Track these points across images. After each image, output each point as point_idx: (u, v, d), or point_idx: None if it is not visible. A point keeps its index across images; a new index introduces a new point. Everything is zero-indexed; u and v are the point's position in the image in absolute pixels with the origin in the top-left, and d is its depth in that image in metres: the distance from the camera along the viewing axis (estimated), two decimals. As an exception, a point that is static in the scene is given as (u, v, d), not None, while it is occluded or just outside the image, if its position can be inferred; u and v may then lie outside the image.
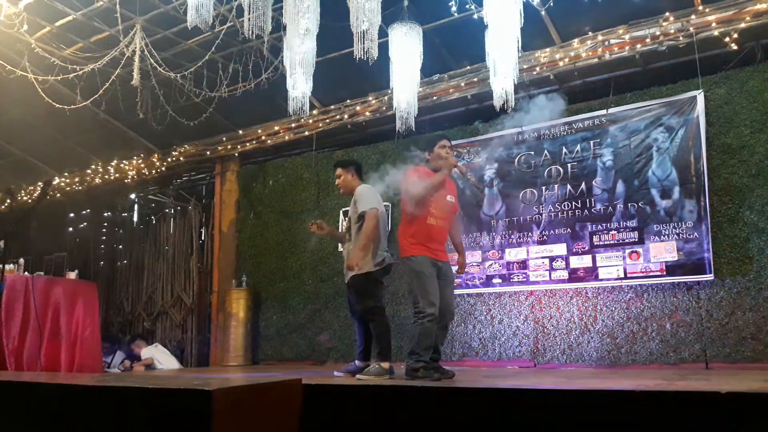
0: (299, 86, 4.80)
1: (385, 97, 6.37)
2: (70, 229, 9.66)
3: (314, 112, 6.91)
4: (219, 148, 7.74)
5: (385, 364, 4.11)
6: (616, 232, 5.40)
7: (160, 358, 7.29)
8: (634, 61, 5.50)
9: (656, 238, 5.22)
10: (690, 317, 5.05)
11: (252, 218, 7.72)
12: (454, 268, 4.14)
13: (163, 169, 8.22)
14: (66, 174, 9.01)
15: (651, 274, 5.20)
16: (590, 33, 5.52)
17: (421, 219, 3.86)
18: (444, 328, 4.00)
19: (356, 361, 4.59)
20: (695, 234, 5.07)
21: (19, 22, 5.68)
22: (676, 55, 5.35)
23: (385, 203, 4.80)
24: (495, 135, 6.09)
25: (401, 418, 2.46)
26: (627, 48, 5.38)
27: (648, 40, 5.27)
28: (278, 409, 2.25)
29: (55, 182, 8.86)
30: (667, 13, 5.19)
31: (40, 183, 8.61)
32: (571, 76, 5.80)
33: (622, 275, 5.32)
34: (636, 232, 5.32)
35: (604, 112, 5.62)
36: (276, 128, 7.29)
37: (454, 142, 6.19)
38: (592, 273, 5.44)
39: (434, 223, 3.87)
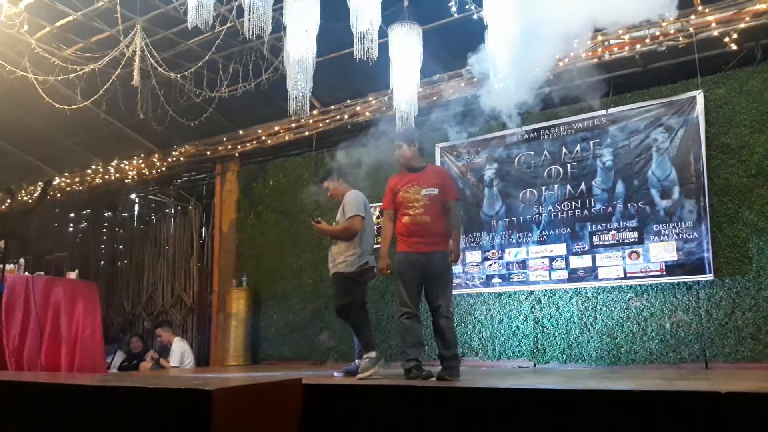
0: (299, 86, 4.79)
1: (385, 97, 6.36)
2: (71, 229, 9.66)
3: (314, 112, 6.91)
4: (219, 148, 7.74)
5: (372, 354, 4.19)
6: (615, 232, 5.40)
7: (188, 353, 7.23)
8: (634, 61, 5.49)
9: (656, 238, 5.23)
10: (690, 317, 5.05)
11: (252, 218, 7.72)
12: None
13: (164, 169, 8.22)
14: (66, 174, 9.01)
15: (651, 274, 5.20)
16: (590, 33, 5.51)
17: (399, 217, 4.06)
18: (436, 324, 3.84)
19: (355, 361, 4.60)
20: (695, 234, 5.07)
21: (19, 22, 5.68)
22: (675, 56, 5.35)
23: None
24: (495, 135, 6.09)
25: (401, 418, 2.46)
26: (627, 48, 5.38)
27: (648, 41, 5.28)
28: (278, 409, 2.25)
29: (55, 182, 8.86)
30: (667, 13, 5.19)
31: (40, 183, 8.61)
32: (571, 76, 5.79)
33: (621, 275, 5.32)
34: (636, 232, 5.32)
35: (604, 112, 5.62)
36: (276, 128, 7.29)
37: (453, 143, 6.25)
38: (591, 273, 5.44)
39: (409, 220, 3.96)
